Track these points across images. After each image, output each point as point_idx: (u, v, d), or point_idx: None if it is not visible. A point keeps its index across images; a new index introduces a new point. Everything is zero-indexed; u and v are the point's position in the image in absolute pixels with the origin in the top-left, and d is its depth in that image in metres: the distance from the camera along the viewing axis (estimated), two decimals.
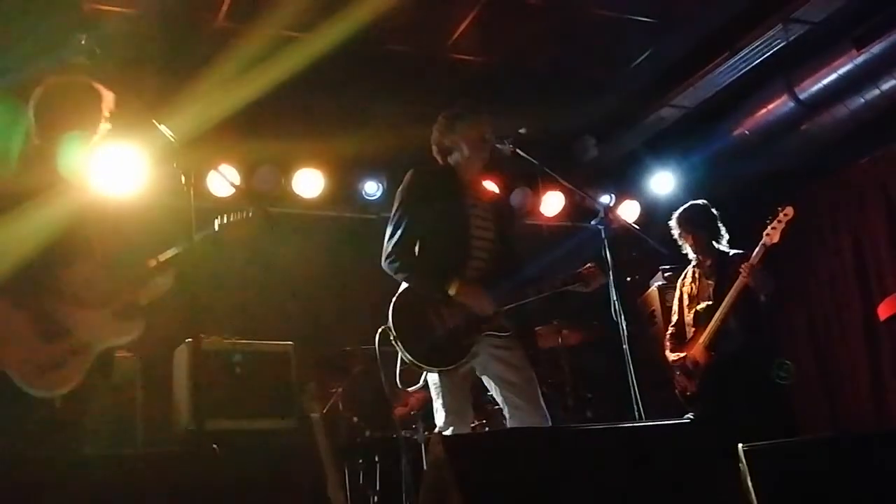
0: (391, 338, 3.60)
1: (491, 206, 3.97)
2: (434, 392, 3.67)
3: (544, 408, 3.67)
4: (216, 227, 3.33)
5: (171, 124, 3.19)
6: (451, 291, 3.62)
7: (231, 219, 3.36)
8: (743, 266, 4.63)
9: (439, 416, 3.64)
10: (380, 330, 3.64)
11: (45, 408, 2.96)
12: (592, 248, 4.08)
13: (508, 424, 3.70)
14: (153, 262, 3.23)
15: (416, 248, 3.77)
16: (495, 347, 3.70)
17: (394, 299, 3.68)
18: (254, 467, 4.57)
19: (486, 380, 3.76)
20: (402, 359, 3.65)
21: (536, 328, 5.46)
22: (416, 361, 3.58)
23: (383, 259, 3.76)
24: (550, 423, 3.72)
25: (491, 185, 4.19)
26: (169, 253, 3.22)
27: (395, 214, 3.82)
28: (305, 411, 5.03)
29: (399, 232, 3.75)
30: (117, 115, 3.25)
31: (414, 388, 3.77)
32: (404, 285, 3.73)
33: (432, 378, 3.66)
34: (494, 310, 3.65)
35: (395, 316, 3.63)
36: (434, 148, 4.00)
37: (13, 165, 3.16)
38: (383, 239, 3.81)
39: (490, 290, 3.67)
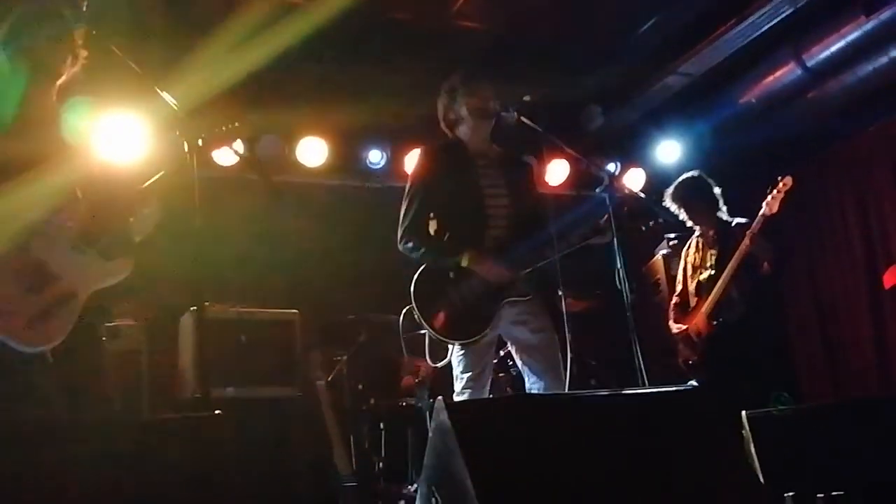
0: (416, 317, 3.65)
1: (503, 170, 3.92)
2: (455, 360, 3.71)
3: (562, 373, 3.70)
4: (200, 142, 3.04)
5: (175, 92, 3.16)
6: (464, 263, 3.65)
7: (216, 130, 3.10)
8: (748, 234, 4.64)
9: (458, 383, 3.68)
10: (404, 311, 3.68)
11: (40, 367, 2.82)
12: (597, 216, 4.07)
13: (527, 388, 3.73)
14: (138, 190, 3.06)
15: (433, 226, 3.80)
16: (517, 313, 3.72)
17: (414, 278, 3.72)
18: (259, 434, 4.63)
19: (509, 344, 3.82)
20: (428, 336, 3.70)
21: None
22: (440, 337, 3.64)
23: (398, 242, 3.78)
24: (567, 389, 3.74)
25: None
26: (153, 179, 3.06)
27: (406, 195, 3.84)
28: (310, 379, 5.06)
29: (411, 213, 3.77)
30: (119, 82, 3.21)
31: (442, 362, 3.81)
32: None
33: (455, 347, 3.70)
34: (510, 277, 3.66)
35: (416, 295, 3.67)
36: (441, 123, 4.00)
37: (6, 129, 3.07)
38: (388, 208, 3.84)
39: (507, 255, 3.69)
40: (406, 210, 3.80)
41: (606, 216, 3.78)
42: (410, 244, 3.74)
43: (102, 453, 2.18)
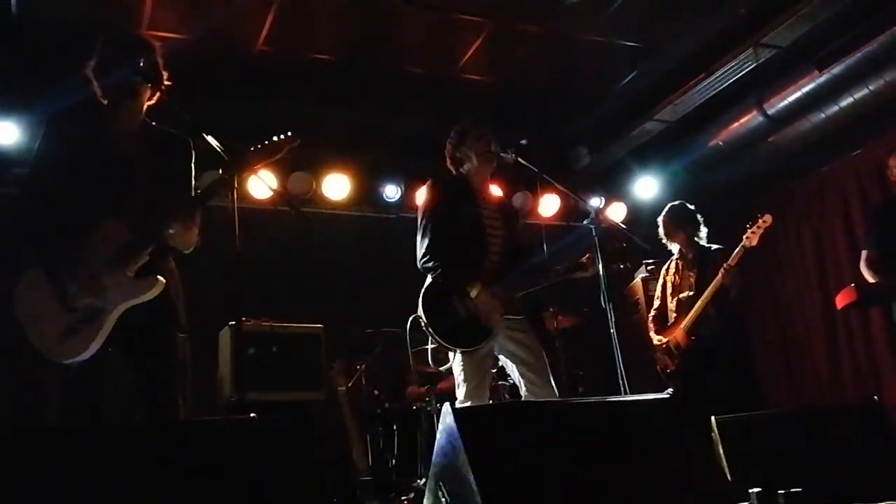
0: (422, 324, 3.60)
1: (499, 208, 3.97)
2: (457, 369, 3.67)
3: (553, 382, 3.68)
4: (249, 153, 2.96)
5: (216, 135, 3.17)
6: (473, 294, 3.62)
7: (265, 144, 2.95)
8: (723, 268, 4.62)
9: (460, 391, 3.63)
10: (411, 318, 3.64)
11: (65, 375, 2.75)
12: (585, 244, 4.07)
13: (523, 397, 3.69)
14: (187, 198, 2.95)
15: (445, 249, 3.77)
16: (511, 330, 3.70)
17: (422, 291, 3.67)
18: (288, 434, 4.61)
19: (502, 358, 3.76)
20: (431, 341, 3.65)
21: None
22: (444, 343, 3.59)
23: (419, 261, 3.74)
24: (558, 396, 3.72)
25: (496, 190, 4.17)
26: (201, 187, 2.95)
27: (422, 222, 3.81)
28: (333, 385, 5.05)
29: (429, 237, 3.74)
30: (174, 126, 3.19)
31: (445, 367, 3.77)
32: (430, 279, 3.73)
33: (456, 357, 3.67)
34: (507, 303, 3.65)
35: (424, 305, 3.62)
36: (448, 160, 4.01)
37: None
38: (402, 235, 3.81)
39: (504, 280, 3.69)
40: (423, 234, 3.76)
41: (588, 255, 3.79)
42: (431, 264, 3.69)
43: (151, 451, 2.18)
